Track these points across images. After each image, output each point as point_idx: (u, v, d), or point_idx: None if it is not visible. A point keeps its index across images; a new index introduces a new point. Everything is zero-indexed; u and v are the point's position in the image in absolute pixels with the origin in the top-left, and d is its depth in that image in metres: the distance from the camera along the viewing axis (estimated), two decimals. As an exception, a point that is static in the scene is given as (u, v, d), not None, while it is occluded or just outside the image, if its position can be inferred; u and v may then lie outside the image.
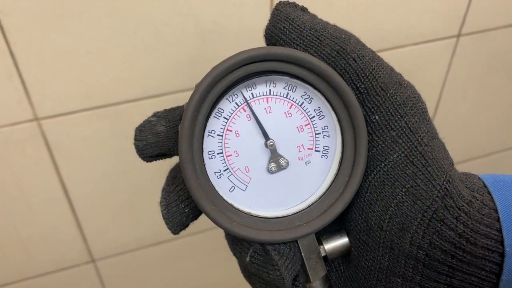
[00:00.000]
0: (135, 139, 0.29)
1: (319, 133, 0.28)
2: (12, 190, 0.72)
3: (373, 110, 0.27)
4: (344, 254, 0.30)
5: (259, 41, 0.74)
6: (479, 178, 0.29)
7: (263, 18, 0.67)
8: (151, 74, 0.67)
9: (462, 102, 0.96)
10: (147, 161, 0.30)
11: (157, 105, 0.70)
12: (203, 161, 0.27)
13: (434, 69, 0.87)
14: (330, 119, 0.28)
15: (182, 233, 0.94)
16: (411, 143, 0.27)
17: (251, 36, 0.68)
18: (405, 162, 0.27)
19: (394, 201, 0.27)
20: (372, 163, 0.28)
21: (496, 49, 0.89)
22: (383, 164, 0.27)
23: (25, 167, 0.70)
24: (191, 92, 0.26)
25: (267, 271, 0.27)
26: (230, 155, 0.28)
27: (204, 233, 0.89)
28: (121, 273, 0.90)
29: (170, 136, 0.29)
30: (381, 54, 0.86)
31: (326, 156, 0.29)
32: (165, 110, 0.30)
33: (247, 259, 0.27)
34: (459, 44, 0.85)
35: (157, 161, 0.33)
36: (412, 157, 0.27)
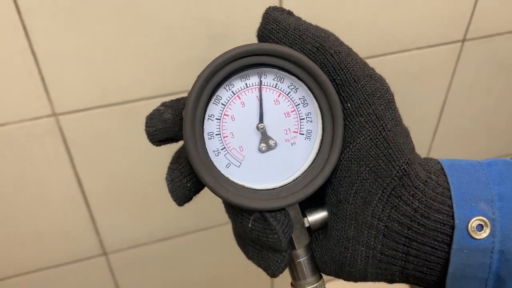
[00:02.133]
0: (146, 126, 0.33)
1: (303, 119, 0.32)
2: (30, 182, 0.73)
3: (346, 99, 0.31)
4: (324, 226, 0.34)
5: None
6: (438, 162, 0.32)
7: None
8: (164, 74, 0.69)
9: (467, 106, 0.95)
10: (157, 145, 0.34)
11: (169, 103, 0.72)
12: (204, 141, 0.31)
13: (439, 74, 0.87)
14: (312, 107, 0.32)
15: (193, 228, 0.95)
16: (376, 128, 0.30)
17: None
18: (369, 145, 0.30)
19: (359, 179, 0.31)
20: (343, 145, 0.31)
21: (501, 54, 0.89)
22: (351, 146, 0.31)
23: (43, 161, 0.71)
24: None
25: (267, 235, 0.30)
26: (227, 136, 0.31)
27: (214, 228, 0.90)
28: (132, 266, 0.91)
29: (176, 122, 0.32)
30: (386, 58, 0.87)
31: (309, 138, 0.32)
32: (171, 100, 0.34)
33: (249, 225, 0.31)
34: (464, 49, 0.85)
35: (167, 154, 0.36)
36: (376, 140, 0.30)
